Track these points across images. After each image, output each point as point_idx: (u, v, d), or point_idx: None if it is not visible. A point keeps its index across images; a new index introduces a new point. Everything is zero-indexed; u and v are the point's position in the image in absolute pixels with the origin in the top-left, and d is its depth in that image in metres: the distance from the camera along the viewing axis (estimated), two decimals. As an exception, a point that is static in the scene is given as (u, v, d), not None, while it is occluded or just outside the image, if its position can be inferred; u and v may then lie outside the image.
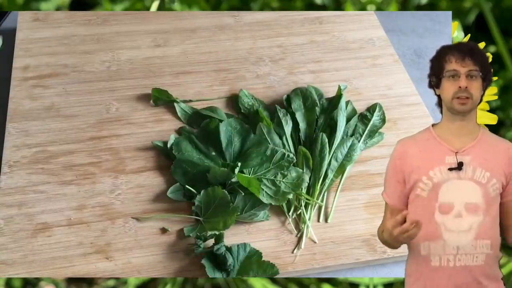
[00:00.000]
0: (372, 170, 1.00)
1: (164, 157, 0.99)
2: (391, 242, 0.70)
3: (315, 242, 0.90)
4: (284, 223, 0.92)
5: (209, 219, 0.89)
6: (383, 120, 1.07)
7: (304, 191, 0.93)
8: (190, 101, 1.09)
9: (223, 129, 0.97)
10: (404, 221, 0.66)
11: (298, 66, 1.18)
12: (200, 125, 1.01)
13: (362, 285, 0.82)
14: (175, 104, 1.07)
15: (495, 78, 0.72)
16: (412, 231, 0.65)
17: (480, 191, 0.67)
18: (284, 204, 0.92)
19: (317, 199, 0.94)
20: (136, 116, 1.06)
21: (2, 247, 0.86)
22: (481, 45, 0.77)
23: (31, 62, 1.14)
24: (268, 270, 0.85)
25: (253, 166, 0.93)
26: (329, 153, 0.98)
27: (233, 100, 1.09)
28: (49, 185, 0.94)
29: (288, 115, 1.04)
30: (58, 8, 1.02)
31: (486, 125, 0.78)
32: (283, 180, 0.92)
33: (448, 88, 0.67)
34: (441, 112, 0.71)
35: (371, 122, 1.05)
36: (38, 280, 0.71)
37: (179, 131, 1.03)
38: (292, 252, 0.89)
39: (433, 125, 0.71)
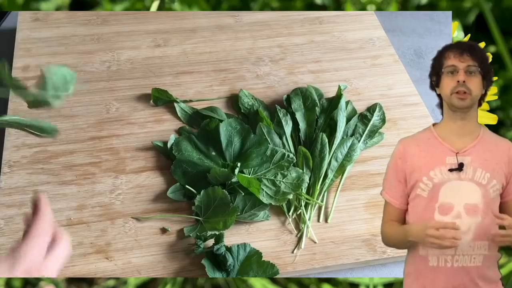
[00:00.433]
0: (372, 170, 1.00)
1: (164, 157, 0.99)
2: (411, 238, 0.68)
3: (315, 242, 0.90)
4: (284, 223, 0.92)
5: (209, 219, 0.89)
6: (383, 120, 1.06)
7: (304, 191, 0.93)
8: (190, 101, 1.09)
9: (223, 129, 0.97)
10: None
11: (298, 66, 1.18)
12: (200, 125, 1.01)
13: (362, 285, 0.82)
14: (175, 104, 1.07)
15: (495, 78, 0.72)
16: (450, 241, 0.64)
17: (480, 192, 0.67)
18: (284, 204, 0.92)
19: (317, 199, 0.94)
20: (136, 116, 1.06)
21: (2, 247, 0.86)
22: (481, 45, 0.77)
23: (31, 62, 1.14)
24: (268, 270, 0.85)
25: (253, 166, 0.93)
26: (329, 153, 0.98)
27: (233, 100, 1.09)
28: (49, 185, 0.94)
29: (288, 115, 1.04)
30: (58, 8, 1.02)
31: (486, 125, 0.78)
32: (283, 180, 0.92)
33: (447, 83, 0.68)
34: (442, 114, 0.71)
35: (371, 122, 1.05)
36: (38, 280, 0.71)
37: (179, 131, 1.03)
38: (292, 252, 0.89)
39: (434, 124, 0.71)
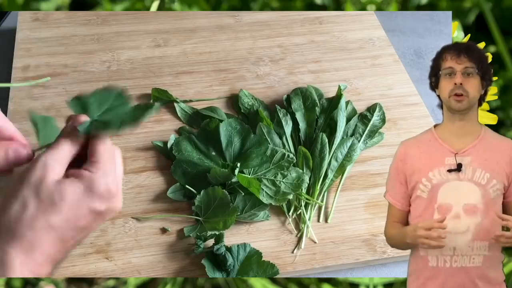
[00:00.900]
0: (372, 170, 1.00)
1: (164, 157, 0.99)
2: (408, 240, 0.68)
3: (315, 242, 0.90)
4: (284, 223, 0.92)
5: (209, 219, 0.89)
6: (383, 120, 1.06)
7: (304, 191, 0.93)
8: (190, 101, 1.09)
9: (223, 129, 0.97)
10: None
11: (298, 66, 1.18)
12: (200, 125, 1.01)
13: (362, 285, 0.82)
14: (175, 104, 1.07)
15: (495, 78, 0.72)
16: (437, 242, 0.65)
17: (479, 192, 0.67)
18: (284, 204, 0.92)
19: (317, 199, 0.94)
20: (136, 116, 1.06)
21: (2, 247, 0.86)
22: (481, 45, 0.77)
23: (31, 62, 1.14)
24: (268, 270, 0.85)
25: (253, 166, 0.93)
26: (329, 153, 0.98)
27: (233, 100, 1.09)
28: (49, 185, 0.94)
29: (288, 115, 1.04)
30: (58, 8, 1.02)
31: (486, 125, 0.78)
32: (283, 180, 0.92)
33: (445, 86, 0.68)
34: (443, 114, 0.71)
35: (371, 122, 1.05)
36: (38, 280, 0.71)
37: (179, 131, 1.03)
38: (292, 252, 0.89)
39: (435, 126, 0.71)
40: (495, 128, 0.79)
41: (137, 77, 1.13)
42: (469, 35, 0.81)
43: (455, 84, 0.67)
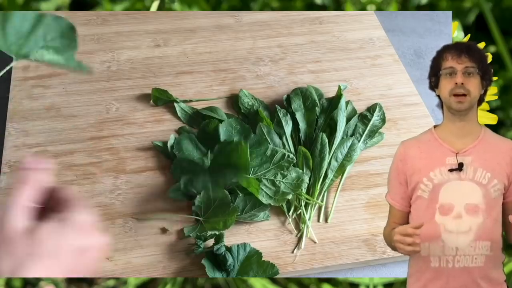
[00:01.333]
0: (372, 170, 1.00)
1: (164, 157, 0.99)
2: (393, 244, 0.70)
3: (315, 242, 0.90)
4: (284, 223, 0.92)
5: (209, 219, 0.89)
6: (383, 120, 1.06)
7: (304, 191, 0.93)
8: (190, 101, 1.09)
9: (223, 129, 0.97)
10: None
11: (298, 66, 1.18)
12: (200, 125, 1.01)
13: (362, 285, 0.82)
14: (175, 104, 1.07)
15: (495, 78, 0.72)
16: (413, 248, 0.65)
17: (481, 192, 0.67)
18: (284, 204, 0.92)
19: (317, 199, 0.94)
20: (136, 116, 1.06)
21: (2, 247, 0.86)
22: (481, 45, 0.77)
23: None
24: (268, 270, 0.85)
25: (253, 167, 0.93)
26: (329, 153, 0.98)
27: (233, 100, 1.09)
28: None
29: (288, 115, 1.04)
30: (58, 8, 1.02)
31: (486, 125, 0.78)
32: (283, 181, 0.92)
33: (445, 85, 0.68)
34: (443, 114, 0.71)
35: (371, 122, 1.05)
36: (38, 280, 0.71)
37: (179, 131, 1.03)
38: (292, 252, 0.89)
39: (435, 126, 0.71)
40: (495, 128, 0.79)
41: (137, 77, 1.13)
42: (469, 35, 0.81)
43: (456, 83, 0.67)
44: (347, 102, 1.08)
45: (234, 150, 0.89)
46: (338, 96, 1.06)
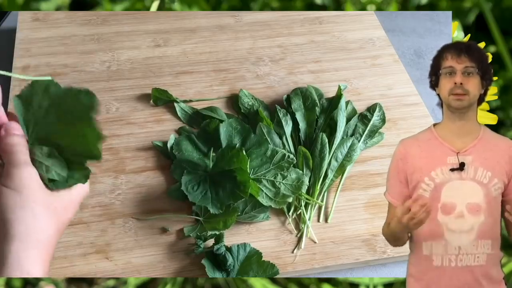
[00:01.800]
0: (372, 170, 1.00)
1: (164, 157, 0.99)
2: (399, 234, 0.69)
3: (315, 242, 0.90)
4: (284, 223, 0.92)
5: (209, 219, 0.89)
6: (383, 120, 1.06)
7: (304, 191, 0.93)
8: (190, 101, 1.09)
9: (223, 129, 0.97)
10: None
11: (298, 66, 1.18)
12: (200, 125, 1.01)
13: (362, 285, 0.82)
14: (175, 104, 1.07)
15: (495, 78, 0.72)
16: (421, 215, 0.64)
17: (482, 191, 0.67)
18: (284, 204, 0.92)
19: (317, 199, 0.94)
20: (136, 116, 1.06)
21: (2, 247, 0.86)
22: (481, 45, 0.77)
23: (31, 62, 1.14)
24: (268, 270, 0.85)
25: (253, 167, 0.93)
26: (329, 153, 0.98)
27: (233, 100, 1.09)
28: (49, 185, 0.94)
29: (288, 115, 1.04)
30: (58, 8, 1.02)
31: (486, 125, 0.78)
32: (283, 182, 0.92)
33: (445, 85, 0.68)
34: (443, 113, 0.71)
35: (371, 122, 1.05)
36: (38, 280, 0.71)
37: (179, 131, 1.03)
38: (292, 252, 0.89)
39: (434, 125, 0.71)
40: (495, 128, 0.79)
41: (137, 77, 1.13)
42: (469, 35, 0.81)
43: (455, 83, 0.67)
44: (347, 102, 1.08)
45: (235, 156, 0.89)
46: (338, 96, 1.06)
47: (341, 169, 0.98)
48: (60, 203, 0.51)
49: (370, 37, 1.25)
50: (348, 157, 0.98)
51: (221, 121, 0.99)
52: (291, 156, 0.94)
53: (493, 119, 0.80)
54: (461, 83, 0.66)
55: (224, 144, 0.96)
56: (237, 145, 0.95)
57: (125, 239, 0.88)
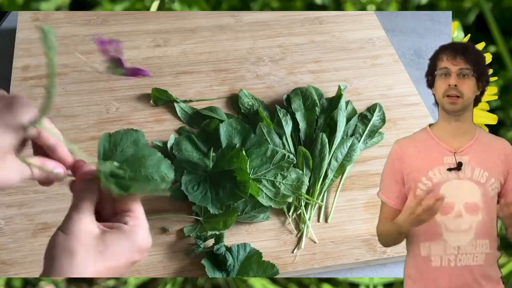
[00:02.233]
0: (372, 170, 1.00)
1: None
2: (403, 230, 0.67)
3: (315, 242, 0.90)
4: (284, 223, 0.92)
5: (209, 219, 0.89)
6: (383, 120, 1.07)
7: (304, 191, 0.93)
8: (190, 101, 1.09)
9: (223, 129, 0.97)
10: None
11: (298, 66, 1.18)
12: (200, 125, 1.00)
13: (362, 285, 0.82)
14: (175, 104, 1.07)
15: (495, 78, 0.72)
16: (436, 206, 0.63)
17: (479, 190, 0.67)
18: (284, 204, 0.92)
19: (317, 199, 0.94)
20: (136, 116, 1.06)
21: (2, 247, 0.86)
22: (481, 45, 0.77)
23: (31, 62, 1.14)
24: (268, 270, 0.85)
25: (253, 167, 0.93)
26: (329, 153, 0.98)
27: (233, 100, 1.09)
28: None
29: (288, 115, 1.04)
30: (58, 8, 1.02)
31: (487, 125, 0.79)
32: (283, 182, 0.92)
33: (439, 86, 0.68)
34: (439, 113, 0.71)
35: (371, 122, 1.05)
36: (38, 280, 0.71)
37: (179, 131, 1.03)
38: (292, 252, 0.89)
39: (430, 125, 0.71)
40: (495, 128, 0.79)
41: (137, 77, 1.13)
42: (469, 35, 0.81)
43: (449, 85, 0.67)
44: (347, 102, 1.08)
45: (235, 156, 0.89)
46: (338, 96, 1.06)
47: (341, 169, 0.98)
48: (107, 248, 0.54)
49: (370, 37, 1.25)
50: (348, 157, 0.98)
51: (221, 121, 0.99)
52: (291, 156, 0.94)
53: (493, 119, 0.80)
54: (455, 85, 0.66)
55: (224, 144, 0.96)
56: (237, 145, 0.95)
57: (125, 239, 0.88)
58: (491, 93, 0.79)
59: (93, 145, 1.00)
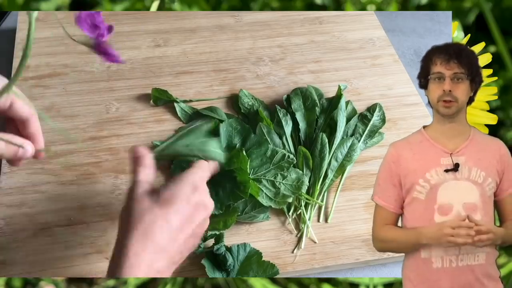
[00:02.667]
0: (372, 170, 1.00)
1: (164, 157, 0.99)
2: (423, 241, 0.67)
3: (315, 242, 0.90)
4: (284, 223, 0.92)
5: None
6: (383, 120, 1.07)
7: (304, 191, 0.93)
8: (190, 101, 1.09)
9: (223, 129, 0.97)
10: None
11: (298, 66, 1.18)
12: (200, 125, 1.00)
13: (362, 285, 0.82)
14: (175, 104, 1.07)
15: (495, 78, 0.72)
16: (464, 238, 0.64)
17: (477, 190, 0.67)
18: (284, 204, 0.92)
19: (317, 199, 0.94)
20: (136, 116, 1.06)
21: (2, 247, 0.86)
22: (481, 45, 0.77)
23: (31, 62, 1.14)
24: (268, 270, 0.85)
25: (253, 167, 0.93)
26: (329, 153, 0.98)
27: (233, 100, 1.09)
28: (49, 185, 0.94)
29: (288, 115, 1.04)
30: (58, 8, 1.02)
31: (487, 125, 0.79)
32: (283, 182, 0.92)
33: (434, 90, 0.68)
34: (433, 115, 0.71)
35: (371, 122, 1.05)
36: (38, 280, 0.71)
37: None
38: (292, 252, 0.89)
39: (424, 127, 0.71)
40: (495, 128, 0.79)
41: (137, 77, 1.13)
42: (469, 35, 0.81)
43: (444, 91, 0.67)
44: (347, 102, 1.08)
45: (235, 156, 0.89)
46: (338, 96, 1.06)
47: (341, 169, 0.98)
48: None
49: (370, 37, 1.25)
50: (348, 157, 0.98)
51: (221, 121, 0.99)
52: (291, 156, 0.94)
53: (493, 119, 0.80)
54: (450, 91, 0.66)
55: (224, 144, 0.96)
56: (237, 145, 0.95)
57: (125, 239, 0.88)
58: (491, 93, 0.79)
59: (93, 145, 1.01)
